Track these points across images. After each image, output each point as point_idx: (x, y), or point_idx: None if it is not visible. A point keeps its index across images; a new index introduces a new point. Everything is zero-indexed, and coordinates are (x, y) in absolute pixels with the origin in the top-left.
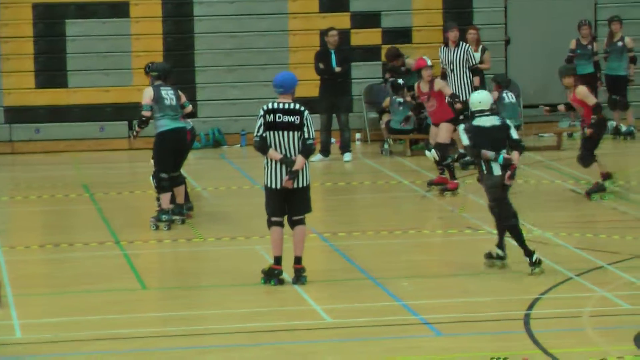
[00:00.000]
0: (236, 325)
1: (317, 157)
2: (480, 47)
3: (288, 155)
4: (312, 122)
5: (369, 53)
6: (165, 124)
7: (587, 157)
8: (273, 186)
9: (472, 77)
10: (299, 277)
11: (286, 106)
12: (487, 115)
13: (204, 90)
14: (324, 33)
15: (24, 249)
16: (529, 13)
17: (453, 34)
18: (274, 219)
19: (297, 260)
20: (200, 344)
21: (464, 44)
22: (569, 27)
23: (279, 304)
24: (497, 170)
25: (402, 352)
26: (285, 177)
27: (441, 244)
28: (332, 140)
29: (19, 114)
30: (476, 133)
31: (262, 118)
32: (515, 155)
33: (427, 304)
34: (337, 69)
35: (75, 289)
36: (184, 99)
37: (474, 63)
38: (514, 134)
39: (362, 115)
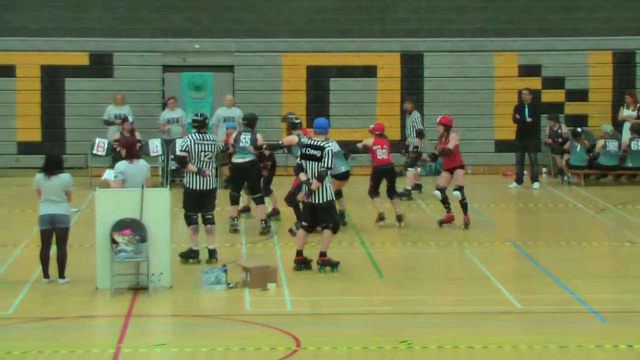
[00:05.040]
0: (447, 307)
1: (512, 184)
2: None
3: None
4: (332, 157)
5: (554, 108)
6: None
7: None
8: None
9: None
10: (322, 266)
11: (314, 142)
12: None
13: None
14: (520, 92)
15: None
16: None
17: None
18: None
19: (323, 254)
20: (414, 321)
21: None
22: None
23: (474, 292)
24: None
25: (573, 334)
26: (304, 194)
27: (606, 252)
28: (525, 172)
29: None
30: None
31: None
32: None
33: (596, 298)
34: (529, 120)
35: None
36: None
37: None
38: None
39: (548, 155)
